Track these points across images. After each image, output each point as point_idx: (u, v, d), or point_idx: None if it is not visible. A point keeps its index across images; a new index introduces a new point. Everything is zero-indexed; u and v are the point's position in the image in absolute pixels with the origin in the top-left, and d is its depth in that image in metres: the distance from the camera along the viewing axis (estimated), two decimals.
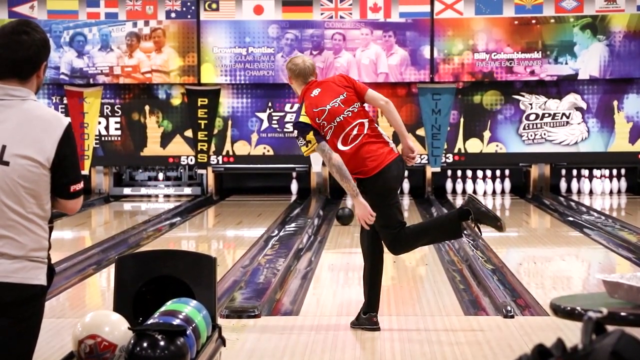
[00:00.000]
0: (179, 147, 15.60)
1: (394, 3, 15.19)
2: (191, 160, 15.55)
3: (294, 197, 15.64)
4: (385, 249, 6.58)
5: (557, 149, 15.40)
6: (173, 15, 15.35)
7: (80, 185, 3.64)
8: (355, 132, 6.52)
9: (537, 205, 14.56)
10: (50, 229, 3.60)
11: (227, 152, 15.57)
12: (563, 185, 15.82)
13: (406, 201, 15.33)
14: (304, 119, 6.57)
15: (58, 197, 3.60)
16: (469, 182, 15.79)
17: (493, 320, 6.86)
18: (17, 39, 3.58)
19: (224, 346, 4.97)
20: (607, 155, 15.40)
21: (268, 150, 15.54)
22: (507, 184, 15.83)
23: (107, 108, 15.57)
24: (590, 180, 15.75)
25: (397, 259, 9.71)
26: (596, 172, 15.73)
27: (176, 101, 15.61)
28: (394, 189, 6.59)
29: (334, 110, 6.53)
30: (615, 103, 15.38)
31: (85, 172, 15.30)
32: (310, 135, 6.54)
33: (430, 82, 15.24)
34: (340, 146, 6.52)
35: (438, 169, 15.43)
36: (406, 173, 6.87)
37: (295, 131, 6.66)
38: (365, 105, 6.64)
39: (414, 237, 6.54)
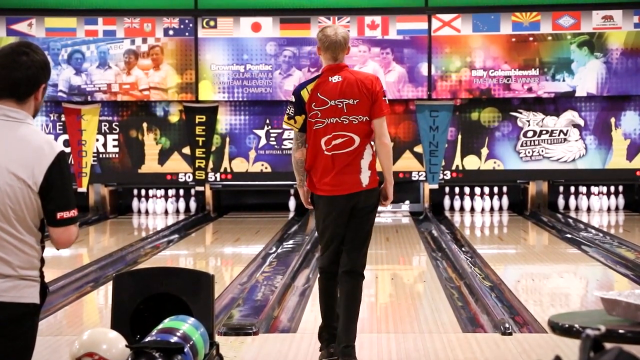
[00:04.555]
0: (176, 164, 15.59)
1: (392, 20, 15.21)
2: (189, 177, 15.55)
3: (291, 214, 15.63)
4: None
5: (554, 165, 15.41)
6: (171, 32, 15.37)
7: (69, 214, 3.54)
8: (337, 142, 5.90)
9: (535, 222, 14.55)
10: (42, 248, 3.59)
11: (225, 169, 15.56)
12: (561, 202, 15.80)
13: (403, 218, 15.32)
14: (304, 94, 5.93)
15: (47, 223, 3.57)
16: (467, 199, 15.79)
17: (491, 338, 6.85)
18: (17, 59, 3.58)
19: None
20: (605, 172, 15.41)
21: (266, 167, 15.54)
22: (505, 200, 15.81)
23: (105, 125, 15.57)
24: (588, 197, 15.74)
25: (394, 277, 9.70)
26: (594, 189, 15.71)
27: (174, 118, 15.61)
28: (329, 218, 5.97)
29: (334, 109, 5.91)
30: (612, 120, 15.39)
31: (83, 189, 15.28)
32: (301, 119, 5.94)
33: (427, 99, 15.25)
34: (323, 146, 5.92)
35: (436, 186, 15.43)
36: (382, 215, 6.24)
37: (293, 96, 5.99)
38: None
39: (322, 293, 6.15)
